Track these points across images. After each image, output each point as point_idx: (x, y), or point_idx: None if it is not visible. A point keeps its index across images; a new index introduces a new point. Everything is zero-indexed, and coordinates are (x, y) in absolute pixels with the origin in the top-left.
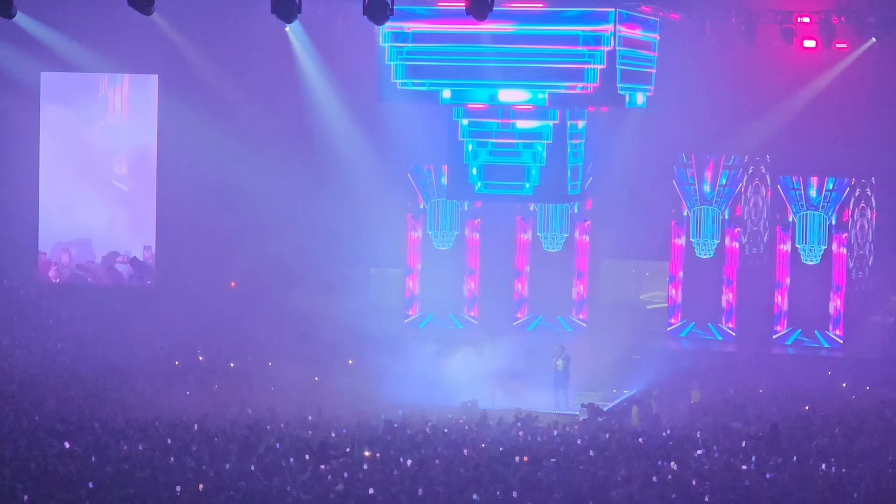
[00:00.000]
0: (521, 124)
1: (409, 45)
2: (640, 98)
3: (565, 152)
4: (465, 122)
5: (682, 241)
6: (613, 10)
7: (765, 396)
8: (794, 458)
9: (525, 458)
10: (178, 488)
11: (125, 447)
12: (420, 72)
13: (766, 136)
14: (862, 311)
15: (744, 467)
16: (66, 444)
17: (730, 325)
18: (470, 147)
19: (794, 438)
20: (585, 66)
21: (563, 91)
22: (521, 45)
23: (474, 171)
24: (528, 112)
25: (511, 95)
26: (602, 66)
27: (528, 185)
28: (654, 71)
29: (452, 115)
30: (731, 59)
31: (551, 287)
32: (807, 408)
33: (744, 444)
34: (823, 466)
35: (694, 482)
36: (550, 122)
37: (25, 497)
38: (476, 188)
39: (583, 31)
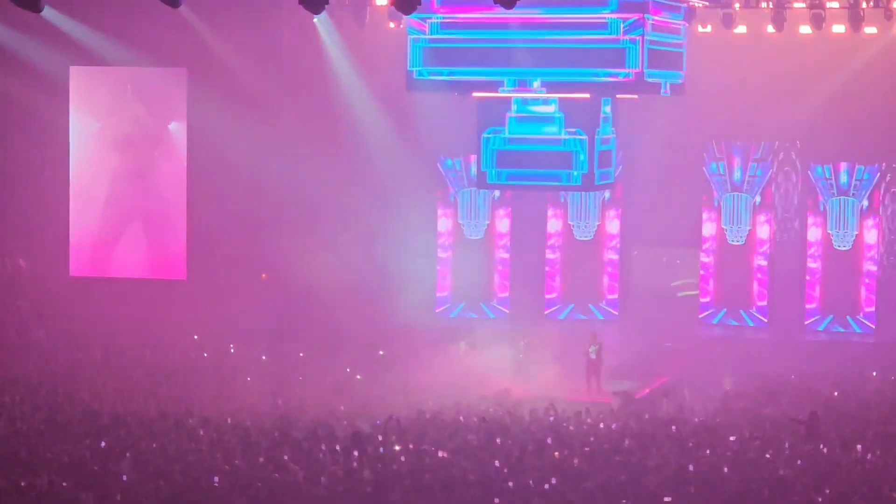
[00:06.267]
0: (557, 111)
1: (435, 33)
2: (671, 85)
3: (596, 140)
4: (489, 110)
5: (713, 228)
6: None
7: (797, 383)
8: (827, 444)
9: (557, 454)
10: (216, 479)
11: (156, 442)
12: (447, 60)
13: (795, 123)
14: (893, 296)
15: (773, 454)
16: (101, 440)
17: (762, 312)
18: (492, 135)
19: (828, 424)
20: (623, 54)
21: (600, 80)
22: (552, 33)
23: (498, 159)
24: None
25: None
26: (639, 54)
27: (575, 174)
28: (683, 57)
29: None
30: (760, 45)
31: (582, 275)
32: (836, 393)
33: (779, 432)
34: (859, 448)
35: (726, 469)
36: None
37: (63, 485)
38: (505, 177)
39: (614, 18)
